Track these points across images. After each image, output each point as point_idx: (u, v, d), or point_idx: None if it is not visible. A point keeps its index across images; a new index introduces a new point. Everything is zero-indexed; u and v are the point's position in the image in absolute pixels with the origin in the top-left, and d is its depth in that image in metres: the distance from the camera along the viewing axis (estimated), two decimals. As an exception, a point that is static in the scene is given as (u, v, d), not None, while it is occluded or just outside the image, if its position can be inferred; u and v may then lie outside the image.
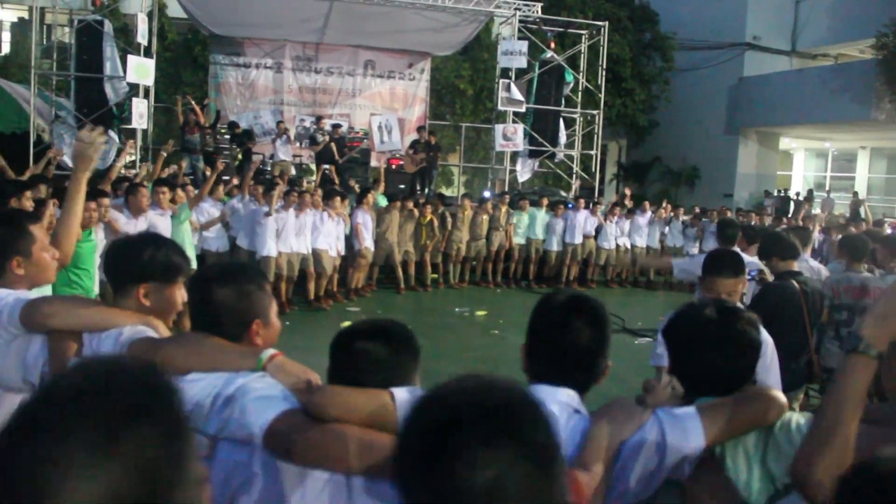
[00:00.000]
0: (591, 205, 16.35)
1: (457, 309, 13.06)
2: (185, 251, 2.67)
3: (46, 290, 3.30)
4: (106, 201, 7.13)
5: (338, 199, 12.68)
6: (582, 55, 20.14)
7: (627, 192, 17.92)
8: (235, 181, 12.82)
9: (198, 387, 1.99)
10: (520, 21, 18.60)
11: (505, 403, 1.20)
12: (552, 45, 19.15)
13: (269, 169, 16.24)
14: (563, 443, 1.97)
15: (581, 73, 19.79)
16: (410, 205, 14.15)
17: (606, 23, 20.21)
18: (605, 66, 20.47)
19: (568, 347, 2.11)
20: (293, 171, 16.48)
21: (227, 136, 16.05)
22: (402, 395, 1.96)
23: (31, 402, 1.01)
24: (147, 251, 2.49)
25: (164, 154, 11.16)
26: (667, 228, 16.72)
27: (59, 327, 2.47)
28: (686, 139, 28.15)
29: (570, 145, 19.80)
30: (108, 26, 15.80)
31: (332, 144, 16.07)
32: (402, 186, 16.13)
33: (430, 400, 1.25)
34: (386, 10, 17.72)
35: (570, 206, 16.18)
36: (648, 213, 16.76)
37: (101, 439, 0.94)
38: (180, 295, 2.55)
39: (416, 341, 2.15)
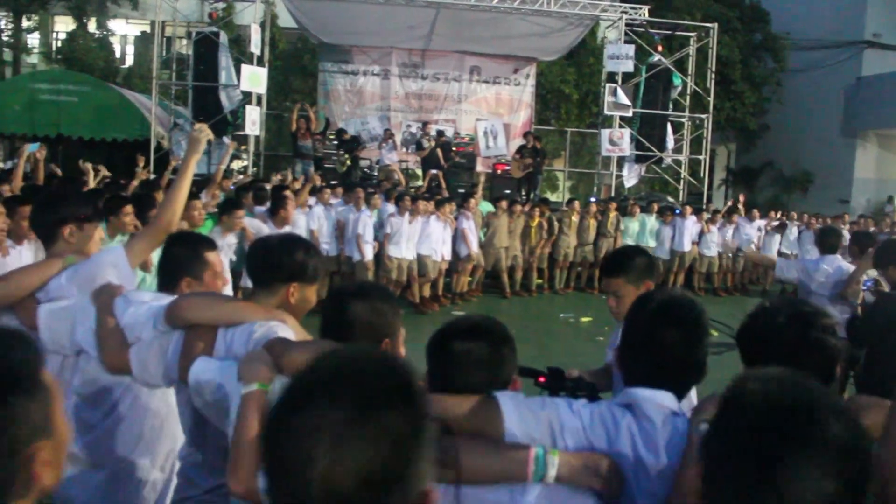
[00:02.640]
0: (698, 211, 15.99)
1: (562, 315, 12.99)
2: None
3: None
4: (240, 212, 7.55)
5: (446, 204, 12.81)
6: (690, 58, 19.74)
7: (742, 198, 17.48)
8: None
9: None
10: (626, 24, 18.37)
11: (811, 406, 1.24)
12: (659, 48, 18.85)
13: (375, 174, 16.51)
14: (663, 446, 1.98)
15: (689, 76, 19.40)
16: (518, 209, 14.17)
17: (716, 24, 19.74)
18: (714, 69, 19.98)
19: (661, 350, 2.07)
20: (396, 177, 16.71)
21: (336, 143, 16.39)
22: (507, 402, 1.96)
23: (297, 381, 1.17)
24: (299, 253, 2.57)
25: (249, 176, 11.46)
26: (778, 236, 16.19)
27: (194, 321, 2.55)
28: (799, 143, 27.16)
29: (677, 150, 19.41)
30: (223, 37, 16.39)
31: (438, 150, 16.23)
32: (508, 192, 16.14)
33: (739, 405, 1.28)
34: (491, 15, 17.78)
35: (677, 212, 15.88)
36: (757, 221, 16.29)
37: (357, 415, 1.08)
38: (317, 295, 2.64)
39: (513, 339, 2.14)
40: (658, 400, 2.03)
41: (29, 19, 25.60)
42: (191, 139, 3.58)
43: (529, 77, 19.97)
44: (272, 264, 2.60)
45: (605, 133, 18.14)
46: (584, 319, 12.71)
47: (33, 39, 26.66)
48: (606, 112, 18.42)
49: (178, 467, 2.82)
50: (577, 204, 15.25)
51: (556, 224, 14.79)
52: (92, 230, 3.34)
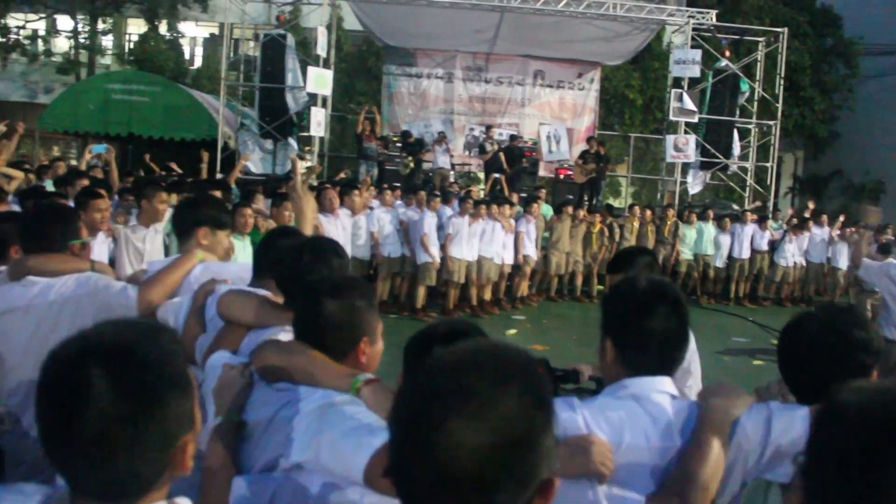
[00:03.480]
0: (761, 219, 15.70)
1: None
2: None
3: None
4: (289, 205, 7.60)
5: (507, 208, 12.81)
6: (758, 63, 19.38)
7: (810, 205, 17.13)
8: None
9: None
10: (693, 29, 18.11)
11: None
12: (727, 53, 18.54)
13: (431, 176, 16.57)
14: (678, 429, 1.97)
15: (757, 82, 19.04)
16: (581, 214, 14.10)
17: (785, 29, 19.33)
18: (782, 75, 19.57)
19: (652, 335, 2.05)
20: (452, 178, 16.76)
21: (400, 145, 16.51)
22: None
23: (428, 364, 1.21)
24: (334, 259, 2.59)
25: (319, 168, 11.62)
26: (847, 246, 15.79)
27: (226, 318, 2.63)
28: (870, 151, 26.43)
29: (744, 157, 19.06)
30: (290, 40, 16.62)
31: (502, 154, 16.23)
32: (571, 197, 16.06)
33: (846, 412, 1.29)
34: (556, 19, 17.71)
35: (737, 217, 15.67)
36: (826, 229, 15.93)
37: (486, 387, 1.12)
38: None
39: None
40: (659, 386, 2.03)
41: (104, 22, 26.32)
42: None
43: (594, 81, 19.83)
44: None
45: (670, 139, 17.92)
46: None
47: (107, 41, 27.40)
48: (672, 118, 18.19)
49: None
50: (637, 210, 15.11)
51: (617, 230, 14.68)
52: (223, 236, 3.48)
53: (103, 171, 10.10)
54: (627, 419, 1.97)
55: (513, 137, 17.29)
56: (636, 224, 14.77)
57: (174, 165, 10.69)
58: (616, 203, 21.01)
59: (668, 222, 14.97)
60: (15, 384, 3.08)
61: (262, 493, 1.93)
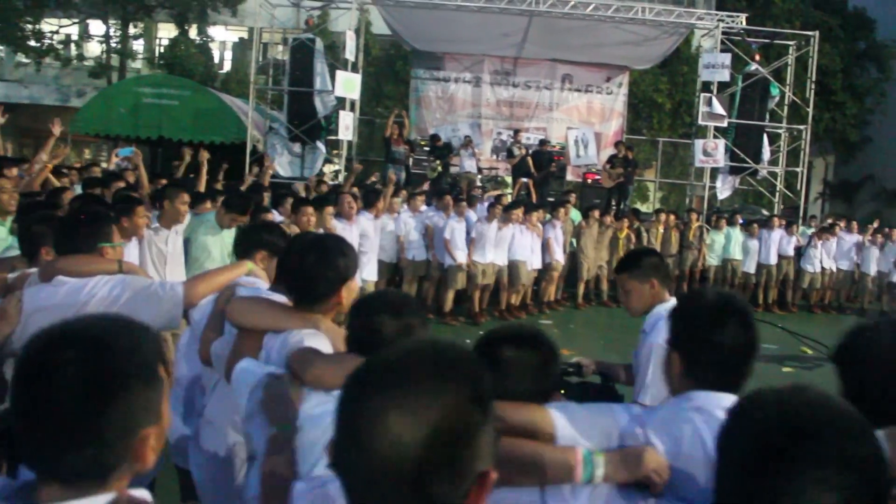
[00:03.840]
0: (788, 224, 15.55)
1: (649, 327, 12.77)
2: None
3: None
4: (330, 209, 7.72)
5: (534, 212, 12.79)
6: (789, 67, 19.19)
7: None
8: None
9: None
10: (723, 33, 17.98)
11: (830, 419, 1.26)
12: (757, 57, 18.39)
13: (458, 180, 16.57)
14: None
15: (787, 86, 18.86)
16: (608, 219, 14.05)
17: (816, 32, 19.12)
18: (813, 79, 19.39)
19: (720, 350, 2.03)
20: (478, 182, 16.75)
21: (427, 149, 16.53)
22: (556, 410, 1.95)
23: (371, 359, 1.24)
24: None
25: (359, 168, 11.67)
26: (877, 251, 15.61)
27: (239, 325, 2.67)
28: (904, 156, 26.15)
29: (773, 162, 18.88)
30: (319, 44, 16.69)
31: (529, 158, 16.21)
32: (598, 201, 16.01)
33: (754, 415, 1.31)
34: (585, 24, 17.67)
35: (765, 223, 15.53)
36: (855, 235, 15.75)
37: (424, 381, 1.15)
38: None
39: (558, 351, 2.12)
40: (724, 402, 1.99)
41: (135, 27, 26.64)
42: None
43: (622, 86, 19.76)
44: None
45: (699, 143, 17.78)
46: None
47: (138, 46, 27.71)
48: (700, 122, 18.05)
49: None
50: (661, 215, 15.02)
51: (644, 235, 14.61)
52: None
53: (133, 173, 10.21)
54: (688, 432, 1.95)
55: (541, 142, 17.27)
56: (661, 229, 14.69)
57: (204, 153, 10.53)
58: (644, 208, 20.87)
59: (693, 227, 14.87)
60: None
61: (322, 496, 1.95)
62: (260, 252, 3.50)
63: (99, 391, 1.28)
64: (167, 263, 6.58)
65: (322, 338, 2.45)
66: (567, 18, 17.48)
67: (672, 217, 15.04)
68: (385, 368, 1.20)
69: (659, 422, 1.98)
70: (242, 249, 3.59)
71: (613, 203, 16.32)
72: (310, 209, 7.43)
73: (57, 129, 8.50)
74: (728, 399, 2.01)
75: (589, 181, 17.31)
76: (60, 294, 3.03)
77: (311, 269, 2.53)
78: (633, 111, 21.29)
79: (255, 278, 3.36)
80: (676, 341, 2.13)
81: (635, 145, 19.97)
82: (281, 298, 2.75)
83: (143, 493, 1.36)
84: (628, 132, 20.35)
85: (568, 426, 1.92)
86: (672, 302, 3.32)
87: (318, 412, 2.11)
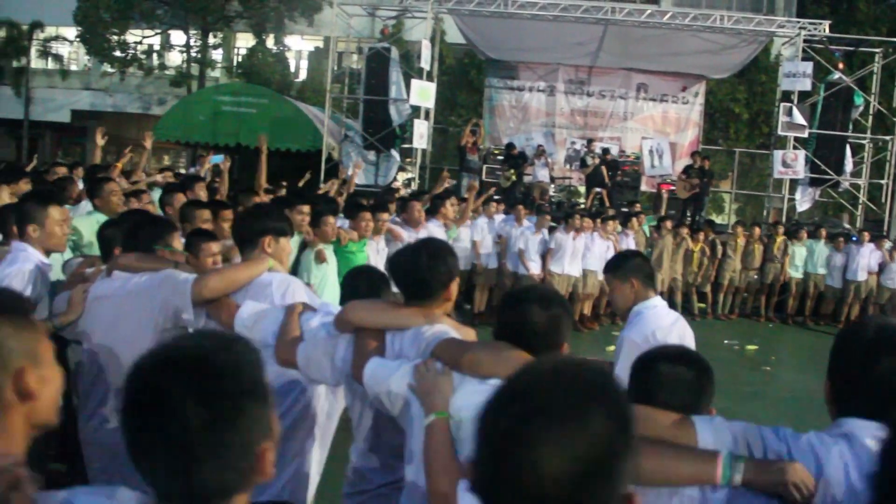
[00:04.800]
0: (874, 238, 15.02)
1: (725, 341, 12.53)
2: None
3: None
4: (385, 216, 7.76)
5: (609, 222, 12.67)
6: (874, 75, 18.63)
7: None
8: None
9: None
10: (804, 41, 17.55)
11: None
12: (840, 65, 17.90)
13: (531, 189, 16.50)
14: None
15: (872, 95, 18.29)
16: (683, 231, 13.82)
17: (904, 39, 18.59)
18: (900, 87, 18.81)
19: (879, 380, 1.99)
20: (552, 192, 16.66)
21: (501, 158, 16.53)
22: (702, 422, 2.00)
23: (512, 383, 1.25)
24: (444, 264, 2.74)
25: (447, 176, 11.68)
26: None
27: (360, 325, 2.74)
28: None
29: (856, 173, 18.34)
30: (394, 53, 16.86)
31: (603, 168, 16.07)
32: (673, 212, 15.77)
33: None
34: (661, 32, 17.48)
35: (853, 238, 14.99)
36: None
37: (571, 411, 1.16)
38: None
39: (713, 372, 2.26)
40: (875, 431, 1.95)
41: (215, 37, 27.33)
42: None
43: (698, 95, 19.44)
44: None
45: (778, 154, 17.38)
46: (750, 347, 12.24)
47: (216, 55, 28.42)
48: (780, 132, 17.65)
49: (351, 465, 2.99)
50: (741, 228, 14.71)
51: (719, 247, 14.32)
52: (286, 243, 3.63)
53: (210, 179, 10.42)
54: (834, 456, 1.95)
55: (606, 150, 17.05)
56: (741, 242, 14.37)
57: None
58: (719, 220, 20.51)
59: (777, 240, 14.50)
60: (95, 367, 3.46)
61: None
62: (265, 237, 3.50)
63: (211, 416, 1.27)
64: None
65: (453, 332, 2.59)
66: (643, 27, 17.32)
67: (756, 230, 14.71)
68: (530, 395, 1.20)
69: (805, 444, 1.98)
70: (245, 236, 3.57)
71: (688, 214, 16.07)
72: (367, 214, 7.46)
73: (149, 142, 8.74)
74: (879, 428, 1.96)
75: (663, 192, 17.06)
76: (114, 286, 3.43)
77: (424, 269, 2.71)
78: (709, 121, 20.94)
79: (276, 273, 3.40)
80: (832, 371, 2.13)
81: (711, 155, 19.60)
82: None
83: None
84: (704, 142, 20.00)
85: (710, 437, 1.97)
86: (652, 300, 3.80)
87: (475, 401, 2.13)
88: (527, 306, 2.34)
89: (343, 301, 3.12)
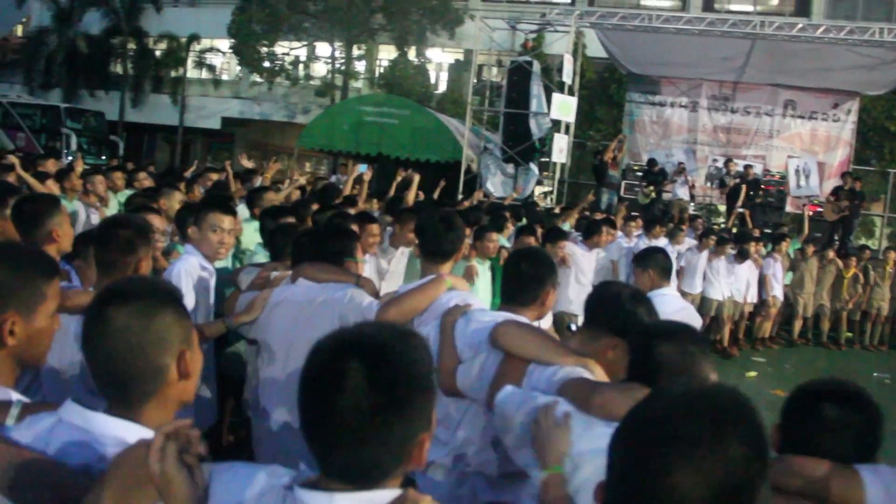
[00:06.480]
0: None
1: (875, 374, 11.89)
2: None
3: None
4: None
5: (752, 244, 12.26)
6: None
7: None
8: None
9: None
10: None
11: None
12: None
13: (670, 207, 16.19)
14: None
15: None
16: (831, 254, 13.23)
17: None
18: None
19: None
20: (691, 210, 16.28)
21: (640, 174, 16.29)
22: (869, 474, 1.83)
23: (645, 408, 1.27)
24: (629, 304, 2.63)
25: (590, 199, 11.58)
26: None
27: (506, 349, 2.69)
28: None
29: None
30: (536, 66, 16.89)
31: (744, 187, 15.57)
32: (819, 235, 15.11)
33: None
34: (813, 46, 16.82)
35: None
36: None
37: (707, 437, 1.16)
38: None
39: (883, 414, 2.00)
40: None
41: (359, 48, 28.15)
42: None
43: (850, 112, 18.56)
44: (602, 313, 2.67)
45: (938, 177, 16.43)
46: (903, 381, 11.60)
47: (359, 66, 29.25)
48: (942, 154, 16.69)
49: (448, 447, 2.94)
50: (893, 254, 13.92)
51: (871, 274, 13.62)
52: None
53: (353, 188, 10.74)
54: None
55: (748, 167, 16.50)
56: (890, 269, 13.62)
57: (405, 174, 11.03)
58: (870, 244, 19.48)
59: (933, 268, 13.67)
60: (269, 367, 3.61)
61: None
62: (348, 261, 3.74)
63: (385, 402, 1.37)
64: (385, 280, 6.80)
65: (590, 374, 2.44)
66: (793, 41, 16.72)
67: (893, 255, 13.90)
68: (667, 418, 1.21)
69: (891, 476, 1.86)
70: (339, 256, 3.74)
71: (836, 238, 15.37)
72: (494, 235, 7.45)
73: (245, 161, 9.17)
74: None
75: (810, 213, 16.38)
76: (298, 292, 3.56)
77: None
78: (861, 140, 19.92)
79: (454, 292, 3.36)
80: None
81: (862, 176, 18.69)
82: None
83: (417, 495, 1.43)
84: (855, 162, 19.04)
85: (881, 495, 1.82)
86: (663, 289, 4.46)
87: (600, 445, 2.12)
88: (656, 343, 2.19)
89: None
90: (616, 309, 2.60)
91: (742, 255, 11.84)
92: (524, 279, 2.97)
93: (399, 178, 10.74)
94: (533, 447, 2.19)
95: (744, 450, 1.16)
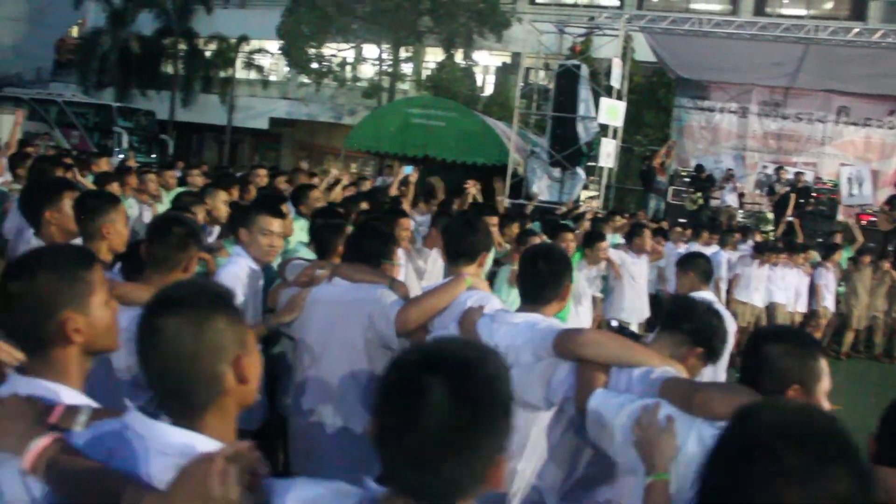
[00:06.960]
0: None
1: (929, 388, 11.63)
2: None
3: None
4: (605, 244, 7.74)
5: (801, 252, 12.04)
6: None
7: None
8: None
9: None
10: None
11: None
12: None
13: (718, 214, 16.00)
14: None
15: None
16: (885, 265, 12.94)
17: None
18: None
19: None
20: (739, 217, 16.05)
21: (688, 180, 16.12)
22: None
23: (743, 435, 1.27)
24: (707, 315, 2.67)
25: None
26: None
27: (589, 358, 2.66)
28: None
29: None
30: (584, 70, 16.80)
31: (793, 195, 15.31)
32: (873, 245, 14.78)
33: None
34: (869, 51, 16.50)
35: None
36: None
37: (809, 468, 1.17)
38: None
39: None
40: None
41: (406, 50, 28.26)
42: None
43: (906, 119, 18.21)
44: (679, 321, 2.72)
45: None
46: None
47: (406, 68, 29.34)
48: None
49: (531, 486, 2.96)
50: None
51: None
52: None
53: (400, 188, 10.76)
54: None
55: (798, 174, 16.22)
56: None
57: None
58: (925, 255, 19.04)
59: None
60: (307, 366, 3.63)
61: None
62: (385, 263, 3.73)
63: (466, 420, 1.32)
64: (423, 279, 6.77)
65: (679, 373, 2.51)
66: (849, 46, 16.42)
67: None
68: (769, 452, 1.20)
69: None
70: (376, 258, 3.74)
71: (890, 248, 15.03)
72: (570, 235, 7.44)
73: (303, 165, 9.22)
74: None
75: (863, 222, 16.04)
76: (331, 292, 3.59)
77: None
78: (917, 147, 19.49)
79: (473, 291, 3.39)
80: None
81: (919, 185, 18.31)
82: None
83: None
84: (911, 171, 18.67)
85: None
86: (701, 293, 4.55)
87: (703, 449, 2.10)
88: (762, 342, 2.28)
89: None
90: (699, 320, 2.69)
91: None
92: (543, 277, 3.06)
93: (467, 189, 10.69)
94: (636, 449, 2.24)
95: (852, 486, 1.15)
